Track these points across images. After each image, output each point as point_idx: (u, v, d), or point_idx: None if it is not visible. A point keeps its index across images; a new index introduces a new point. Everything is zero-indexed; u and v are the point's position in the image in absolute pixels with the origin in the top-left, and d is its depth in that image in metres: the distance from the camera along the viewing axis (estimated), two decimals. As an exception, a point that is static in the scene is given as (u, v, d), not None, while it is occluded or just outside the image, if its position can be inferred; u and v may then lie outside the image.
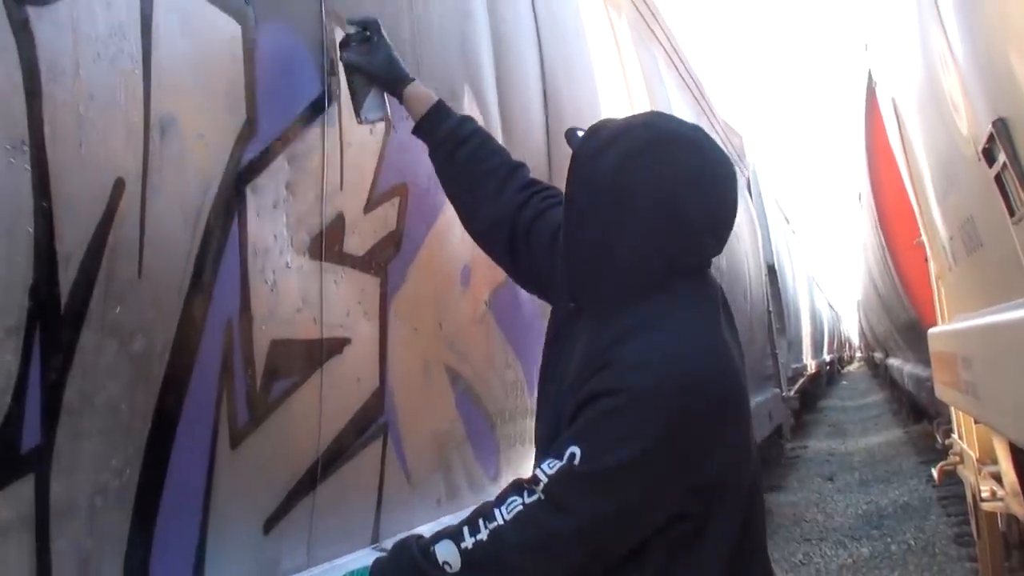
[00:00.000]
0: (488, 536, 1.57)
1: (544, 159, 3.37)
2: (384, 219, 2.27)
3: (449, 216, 2.42)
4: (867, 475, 12.33)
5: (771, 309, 11.72)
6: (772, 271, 12.81)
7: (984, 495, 4.81)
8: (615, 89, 4.90)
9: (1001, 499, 4.50)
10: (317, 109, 2.01)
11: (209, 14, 1.69)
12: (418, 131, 2.19)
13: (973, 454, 5.25)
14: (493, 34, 3.08)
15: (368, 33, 2.10)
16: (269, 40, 1.86)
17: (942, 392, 4.88)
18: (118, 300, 1.41)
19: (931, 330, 5.39)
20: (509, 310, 2.98)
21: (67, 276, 1.32)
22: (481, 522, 1.59)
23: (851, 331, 54.11)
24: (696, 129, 1.77)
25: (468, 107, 2.75)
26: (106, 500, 1.41)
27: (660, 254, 1.66)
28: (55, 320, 1.30)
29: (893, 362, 16.73)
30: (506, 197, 2.11)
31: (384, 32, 2.13)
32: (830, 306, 39.04)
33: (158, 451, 1.52)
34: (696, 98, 8.45)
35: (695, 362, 1.61)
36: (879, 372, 26.96)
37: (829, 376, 31.35)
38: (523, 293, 2.47)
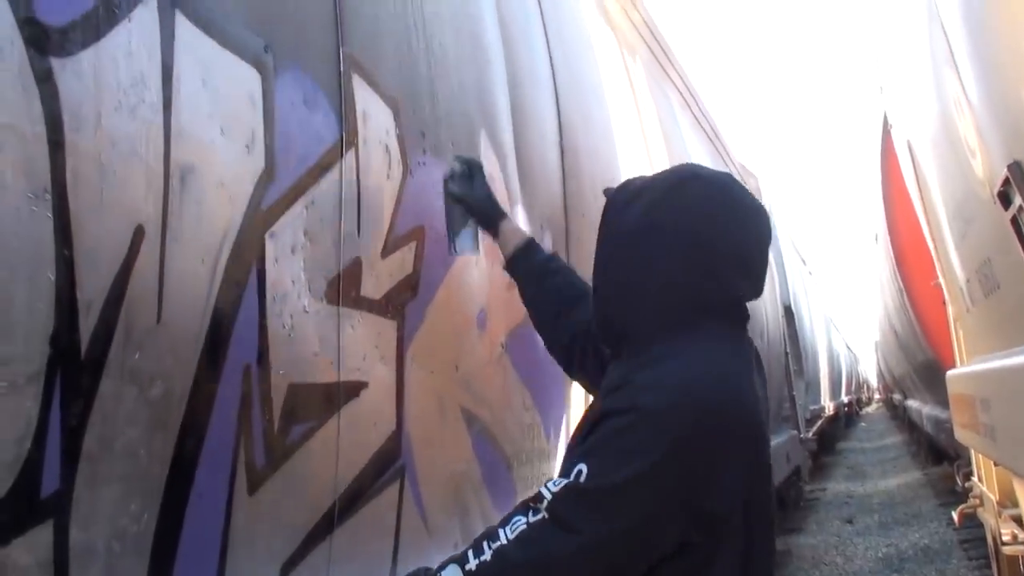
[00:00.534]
0: (492, 556, 1.58)
1: (560, 199, 3.38)
2: (401, 263, 2.28)
3: (465, 259, 2.44)
4: (887, 517, 12.22)
5: (788, 350, 11.67)
6: (789, 312, 12.78)
7: (1005, 538, 4.78)
8: (630, 131, 4.92)
9: (1022, 543, 4.46)
10: (335, 155, 2.03)
11: (228, 62, 1.70)
12: (510, 264, 2.38)
13: (993, 497, 5.22)
14: (510, 80, 3.10)
15: (471, 171, 2.30)
16: (288, 87, 1.88)
17: (961, 434, 4.85)
18: (137, 346, 1.42)
19: (949, 372, 5.37)
20: (526, 352, 2.98)
21: (87, 323, 1.33)
22: (485, 544, 1.60)
23: (869, 372, 53.87)
24: (724, 173, 1.86)
25: (484, 152, 2.77)
26: (124, 546, 1.41)
27: (686, 289, 1.70)
28: (75, 367, 1.31)
29: (912, 404, 16.64)
30: (584, 322, 2.19)
31: (485, 173, 2.33)
32: (848, 347, 38.89)
33: (176, 496, 1.52)
34: (711, 139, 8.48)
35: (709, 387, 1.63)
36: (898, 414, 26.80)
37: (847, 418, 31.12)
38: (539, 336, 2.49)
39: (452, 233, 2.26)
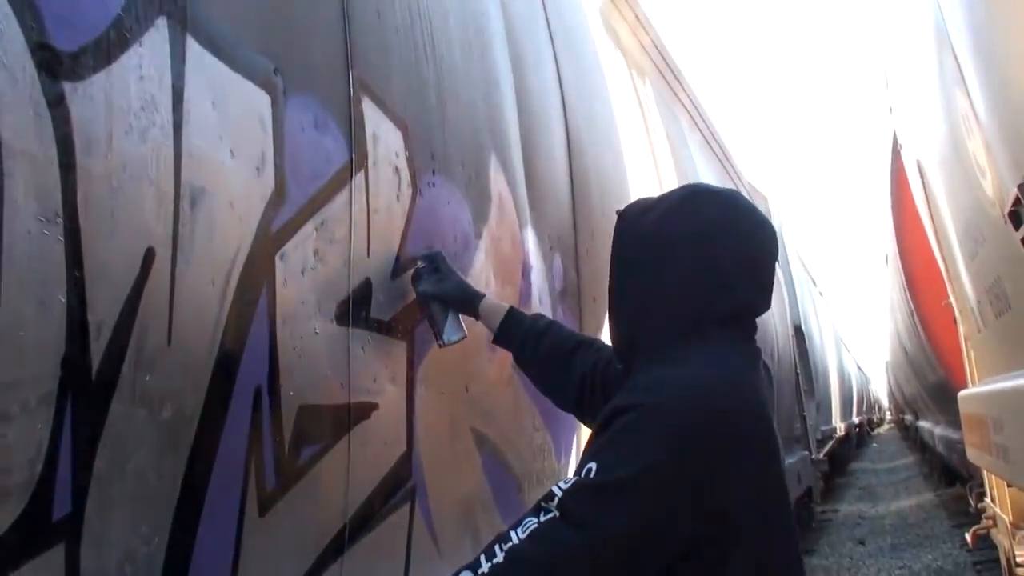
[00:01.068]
0: (504, 557, 1.58)
1: (569, 219, 3.38)
2: (411, 284, 2.28)
3: (474, 279, 2.44)
4: (899, 539, 12.14)
5: (799, 371, 11.63)
6: (799, 332, 12.75)
7: (1019, 559, 4.75)
8: (640, 151, 4.93)
9: (1036, 564, 4.43)
10: (344, 176, 2.03)
11: (238, 85, 1.71)
12: (500, 338, 2.36)
13: (1007, 518, 5.19)
14: (519, 100, 3.11)
15: (436, 265, 2.29)
16: (298, 109, 1.88)
17: (973, 455, 4.83)
18: (148, 368, 1.43)
19: (961, 393, 5.35)
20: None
21: (99, 345, 1.34)
22: (497, 547, 1.61)
23: (880, 393, 53.68)
24: (732, 189, 1.92)
25: (494, 176, 2.77)
26: (135, 568, 1.41)
27: (695, 299, 1.72)
28: (86, 389, 1.32)
29: (923, 424, 16.57)
30: (586, 362, 2.21)
31: (449, 261, 2.32)
32: (859, 367, 38.77)
33: (187, 518, 1.52)
34: (720, 159, 8.49)
35: (718, 386, 1.66)
36: (910, 434, 26.68)
37: (859, 438, 31.00)
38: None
39: (437, 328, 2.28)
